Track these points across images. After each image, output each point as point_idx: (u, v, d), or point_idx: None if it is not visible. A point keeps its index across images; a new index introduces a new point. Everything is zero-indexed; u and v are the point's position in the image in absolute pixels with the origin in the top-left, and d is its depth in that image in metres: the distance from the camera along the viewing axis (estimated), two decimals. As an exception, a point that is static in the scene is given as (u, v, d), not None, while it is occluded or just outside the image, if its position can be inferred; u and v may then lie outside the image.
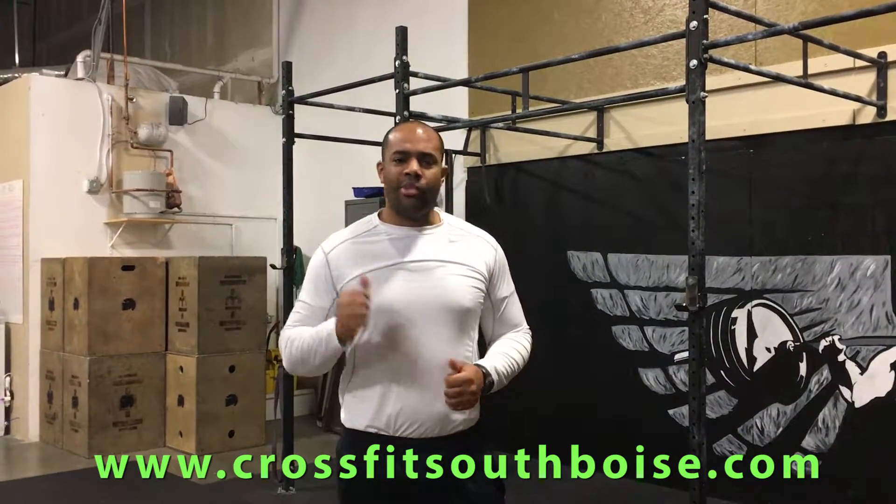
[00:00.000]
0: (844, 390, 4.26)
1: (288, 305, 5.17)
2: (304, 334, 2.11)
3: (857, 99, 4.10)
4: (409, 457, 2.08)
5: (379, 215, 2.22)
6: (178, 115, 7.08)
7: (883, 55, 4.14)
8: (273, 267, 5.53)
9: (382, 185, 2.20)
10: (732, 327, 4.69)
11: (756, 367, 4.61)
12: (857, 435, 4.21)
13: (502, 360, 2.15)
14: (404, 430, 2.09)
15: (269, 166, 7.19)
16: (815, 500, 4.33)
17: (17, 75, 7.32)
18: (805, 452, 4.38)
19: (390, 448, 2.09)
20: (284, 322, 5.29)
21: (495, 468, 2.21)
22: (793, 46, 4.18)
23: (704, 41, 3.16)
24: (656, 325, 5.04)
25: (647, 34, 5.07)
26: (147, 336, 6.16)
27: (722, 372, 4.73)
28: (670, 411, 4.95)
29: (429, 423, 2.09)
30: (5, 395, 6.60)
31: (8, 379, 6.63)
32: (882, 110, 4.12)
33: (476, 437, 2.19)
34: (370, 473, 2.12)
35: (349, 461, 2.17)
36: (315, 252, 2.24)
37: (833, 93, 3.99)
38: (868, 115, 4.17)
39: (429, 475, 2.09)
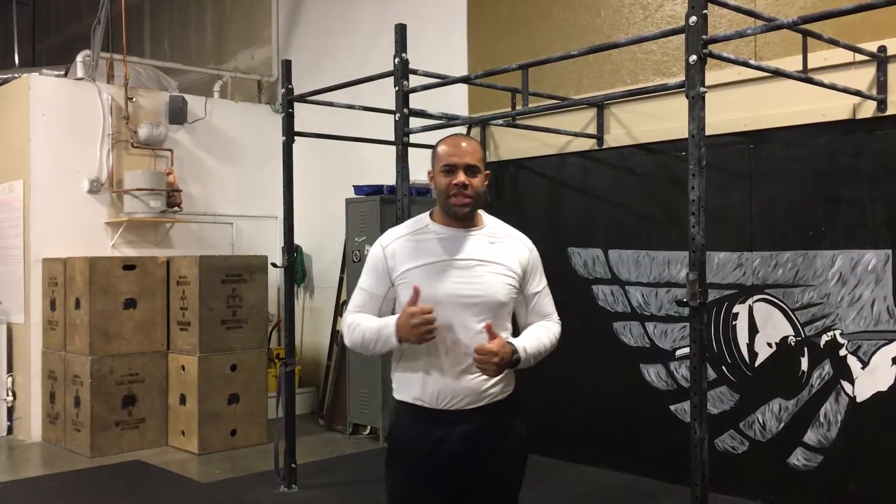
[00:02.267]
0: (846, 385, 4.26)
1: (289, 304, 5.18)
2: (367, 325, 2.45)
3: (857, 93, 4.09)
4: (449, 425, 2.39)
5: (430, 215, 2.53)
6: (177, 114, 7.08)
7: (883, 49, 4.13)
8: (274, 265, 5.52)
9: (433, 190, 2.52)
10: (734, 323, 4.69)
11: (757, 363, 4.61)
12: (859, 429, 4.21)
13: (532, 342, 2.46)
14: (445, 404, 2.40)
15: (270, 165, 7.19)
16: (816, 494, 4.34)
17: (16, 75, 7.32)
18: (807, 447, 4.38)
19: (432, 418, 2.40)
20: (286, 320, 5.32)
21: (521, 435, 2.50)
22: (792, 41, 4.18)
23: (704, 36, 3.16)
24: (657, 321, 5.04)
25: (646, 30, 5.07)
26: (149, 335, 6.16)
27: (723, 367, 4.73)
28: (672, 407, 4.95)
29: (466, 397, 2.40)
30: (7, 395, 6.61)
31: (10, 379, 6.64)
32: (882, 104, 4.12)
33: (507, 406, 2.48)
34: (415, 439, 2.43)
35: (398, 428, 2.49)
36: (373, 245, 2.56)
37: (833, 87, 3.99)
38: (868, 110, 4.17)
39: (465, 441, 2.39)
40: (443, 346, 2.37)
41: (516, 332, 2.55)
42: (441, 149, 2.48)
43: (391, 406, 2.55)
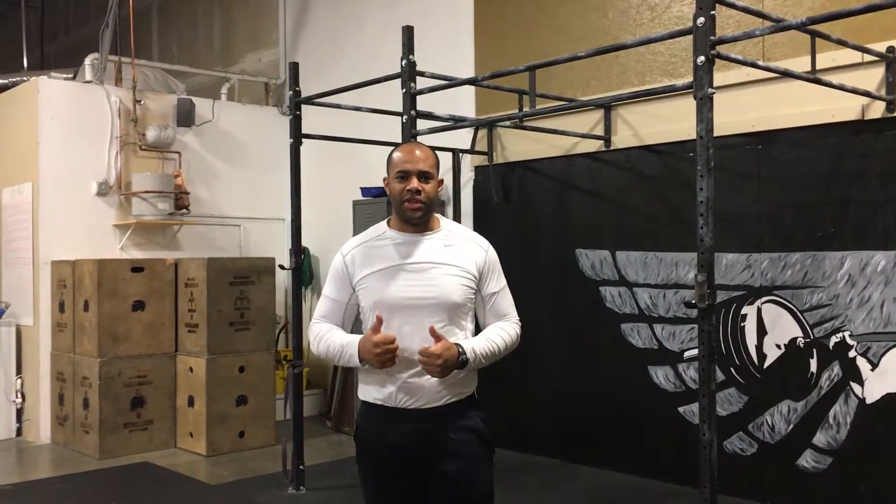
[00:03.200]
0: (855, 386, 4.24)
1: (297, 306, 5.19)
2: (332, 339, 2.55)
3: (866, 94, 4.08)
4: (407, 424, 2.47)
5: (388, 222, 2.62)
6: (185, 116, 7.10)
7: (892, 50, 4.12)
8: (282, 267, 5.54)
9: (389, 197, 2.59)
10: (742, 324, 4.68)
11: (766, 364, 4.60)
12: (869, 431, 4.19)
13: (482, 343, 2.51)
14: (403, 403, 2.47)
15: (277, 167, 7.21)
16: (826, 496, 4.32)
17: (25, 79, 7.36)
18: (816, 449, 4.37)
19: (392, 416, 2.49)
20: (294, 322, 5.32)
21: (482, 432, 2.55)
22: (801, 42, 4.16)
23: (712, 37, 3.15)
24: (665, 323, 5.03)
25: (653, 31, 5.06)
26: (157, 337, 6.18)
27: (732, 369, 4.71)
28: (680, 409, 4.94)
29: (423, 397, 2.47)
30: (17, 397, 6.63)
31: (19, 381, 6.66)
32: (891, 105, 4.10)
33: (464, 406, 2.54)
34: (377, 438, 2.53)
35: (362, 427, 2.60)
36: (336, 255, 2.65)
37: (842, 88, 3.97)
38: (877, 110, 4.16)
39: (423, 439, 2.47)
40: (402, 348, 2.43)
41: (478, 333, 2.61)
42: (395, 155, 2.57)
43: (358, 405, 2.67)
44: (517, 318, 2.67)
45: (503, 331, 2.58)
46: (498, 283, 2.62)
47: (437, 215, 2.62)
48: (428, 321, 2.43)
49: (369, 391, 2.55)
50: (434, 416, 2.47)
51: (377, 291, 2.49)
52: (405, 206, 2.50)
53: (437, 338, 2.39)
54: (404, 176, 2.50)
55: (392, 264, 2.51)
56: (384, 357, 2.38)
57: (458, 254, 2.53)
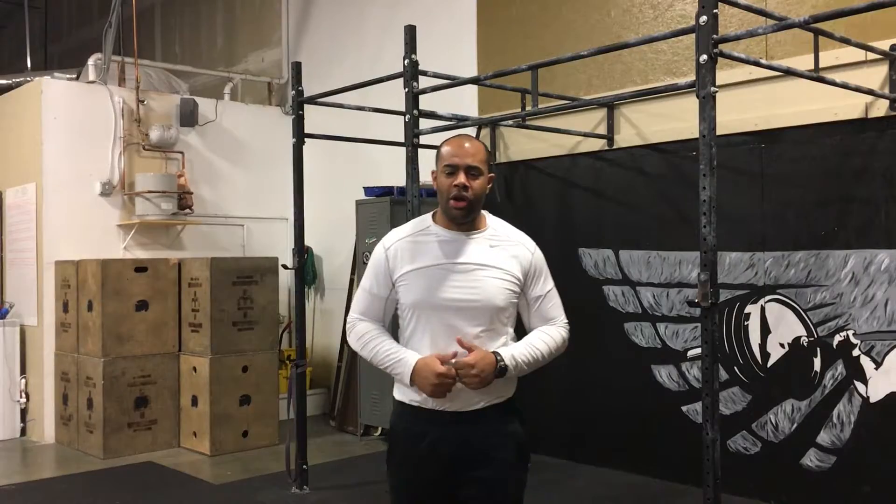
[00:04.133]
0: (859, 385, 4.23)
1: (300, 305, 5.19)
2: (382, 347, 2.46)
3: (870, 92, 4.07)
4: (444, 426, 2.40)
5: (433, 216, 2.52)
6: (188, 116, 7.10)
7: (895, 48, 4.11)
8: (285, 267, 5.53)
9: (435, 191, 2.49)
10: (745, 323, 4.67)
11: (770, 363, 4.59)
12: (873, 430, 4.18)
13: (523, 349, 2.42)
14: (442, 405, 2.39)
15: (280, 167, 7.21)
16: (830, 495, 4.31)
17: (29, 79, 7.38)
18: (820, 448, 4.36)
19: (429, 419, 2.41)
20: (297, 322, 5.31)
21: (519, 437, 2.47)
22: (804, 40, 4.16)
23: (714, 36, 3.15)
24: (669, 322, 5.03)
25: (656, 29, 5.06)
26: (160, 337, 6.19)
27: (735, 368, 4.71)
28: (684, 408, 4.93)
29: (461, 400, 2.38)
30: (21, 397, 6.64)
31: (23, 381, 6.67)
32: (894, 103, 4.09)
33: (502, 412, 2.46)
34: (412, 439, 2.44)
35: (396, 428, 2.52)
36: (376, 247, 2.54)
37: (845, 86, 3.96)
38: (881, 109, 4.15)
39: (460, 442, 2.39)
40: (438, 351, 2.37)
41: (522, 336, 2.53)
42: (444, 149, 2.46)
43: (393, 405, 2.58)
44: (565, 321, 2.57)
45: (547, 335, 2.49)
46: (544, 285, 2.52)
47: (484, 212, 2.51)
48: (469, 324, 2.37)
49: (406, 392, 2.46)
50: (472, 420, 2.40)
51: (419, 290, 2.40)
52: (450, 203, 2.39)
53: (469, 348, 2.32)
54: (452, 171, 2.40)
55: (435, 263, 2.41)
56: (441, 390, 2.31)
57: (503, 255, 2.44)
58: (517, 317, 2.54)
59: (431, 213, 2.54)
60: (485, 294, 2.38)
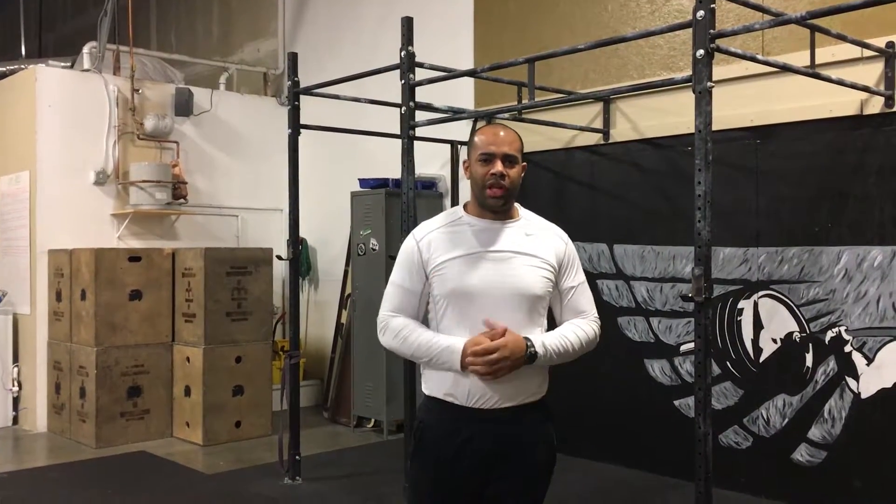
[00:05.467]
0: (851, 381, 4.25)
1: (294, 296, 5.19)
2: (419, 336, 2.36)
3: (865, 89, 4.08)
4: (478, 423, 2.32)
5: (464, 207, 2.47)
6: (183, 106, 7.08)
7: (891, 45, 4.12)
8: (279, 258, 5.54)
9: (469, 181, 2.45)
10: (738, 318, 4.69)
11: (762, 358, 4.61)
12: (864, 426, 4.20)
13: (554, 338, 2.36)
14: (476, 401, 2.31)
15: (275, 157, 7.20)
16: (820, 490, 4.33)
17: (23, 67, 7.34)
18: (811, 443, 4.38)
19: (462, 415, 2.32)
20: (291, 313, 5.30)
21: (550, 441, 2.46)
22: (800, 36, 4.16)
23: (711, 31, 3.15)
24: (662, 317, 5.04)
25: (653, 24, 5.05)
26: (154, 327, 6.18)
27: (728, 363, 4.72)
28: (676, 402, 4.95)
29: (498, 396, 2.32)
30: (13, 385, 6.63)
31: (16, 370, 6.66)
32: (890, 100, 4.10)
33: (539, 409, 2.42)
34: (445, 435, 2.36)
35: (426, 423, 2.42)
36: (406, 239, 2.48)
37: (841, 83, 3.97)
38: (876, 105, 4.16)
39: (494, 440, 2.33)
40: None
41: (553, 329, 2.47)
42: (479, 138, 2.42)
43: (421, 400, 2.48)
44: (596, 315, 2.51)
45: (579, 328, 2.43)
46: (577, 277, 2.48)
47: (516, 204, 2.49)
48: (507, 313, 2.30)
49: (438, 386, 2.37)
50: (507, 419, 2.33)
51: (456, 279, 2.32)
52: (487, 191, 2.35)
53: (495, 327, 2.26)
54: (488, 159, 2.36)
55: (473, 251, 2.35)
56: (496, 368, 2.22)
57: (539, 244, 2.40)
58: (549, 311, 2.48)
59: (462, 204, 2.49)
60: (523, 282, 2.34)
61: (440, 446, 2.36)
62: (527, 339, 2.28)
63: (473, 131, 2.49)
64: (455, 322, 2.34)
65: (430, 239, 2.41)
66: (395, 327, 2.41)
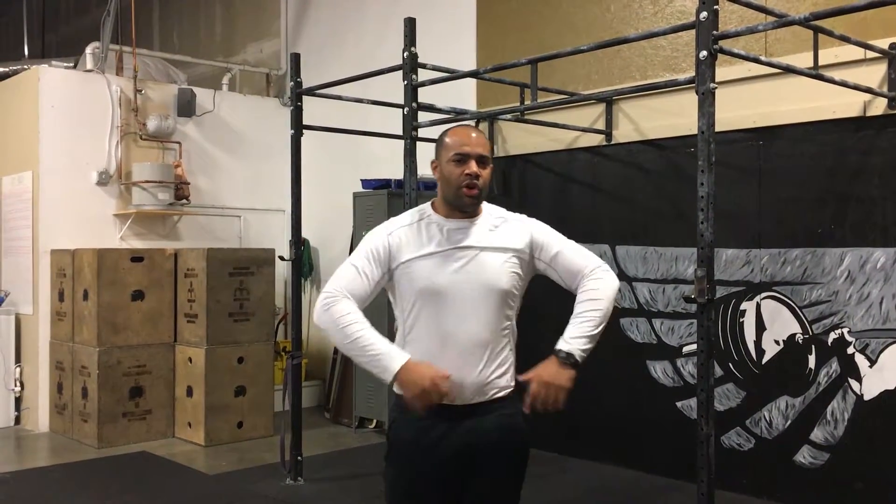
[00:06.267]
0: (853, 383, 4.25)
1: (296, 297, 5.19)
2: (364, 334, 2.29)
3: (868, 90, 4.08)
4: (449, 421, 2.34)
5: (431, 205, 2.49)
6: (186, 106, 7.09)
7: (894, 46, 4.11)
8: (281, 258, 5.53)
9: (437, 181, 2.47)
10: (741, 320, 4.68)
11: (765, 360, 4.60)
12: (866, 428, 4.20)
13: (577, 328, 2.37)
14: (446, 398, 2.29)
15: (278, 158, 7.21)
16: (823, 492, 4.33)
17: (26, 67, 7.35)
18: (813, 445, 4.38)
19: (434, 412, 2.29)
20: (293, 314, 5.30)
21: (524, 434, 2.46)
22: (803, 37, 4.16)
23: (714, 32, 3.15)
24: (664, 318, 5.04)
25: (656, 25, 5.05)
26: (156, 327, 6.18)
27: (730, 364, 4.72)
28: (678, 403, 4.94)
29: (468, 391, 2.35)
30: (15, 385, 6.64)
31: (18, 370, 6.67)
32: (893, 102, 4.10)
33: (510, 402, 2.43)
34: (416, 434, 2.37)
35: (398, 422, 2.43)
36: (375, 229, 2.48)
37: (844, 84, 3.97)
38: (879, 107, 4.15)
39: (465, 436, 2.35)
40: (448, 337, 2.33)
41: (531, 317, 2.47)
42: (451, 138, 2.43)
43: (392, 399, 2.48)
44: (597, 263, 2.49)
45: (591, 294, 2.42)
46: (556, 243, 2.48)
47: None
48: (475, 308, 2.33)
49: None
50: (478, 413, 2.36)
51: (425, 277, 2.34)
52: (463, 191, 2.36)
53: (530, 378, 2.27)
54: (462, 159, 2.37)
55: (439, 249, 2.37)
56: (428, 397, 2.21)
57: (504, 236, 2.43)
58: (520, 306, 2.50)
59: (430, 202, 2.50)
60: (490, 277, 2.36)
61: (412, 444, 2.38)
62: (556, 352, 2.30)
63: (442, 133, 2.50)
64: (424, 321, 2.36)
65: (400, 234, 2.42)
66: (340, 310, 2.32)
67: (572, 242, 2.52)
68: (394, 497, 2.47)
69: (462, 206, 2.40)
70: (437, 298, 2.33)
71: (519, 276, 2.43)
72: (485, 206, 2.50)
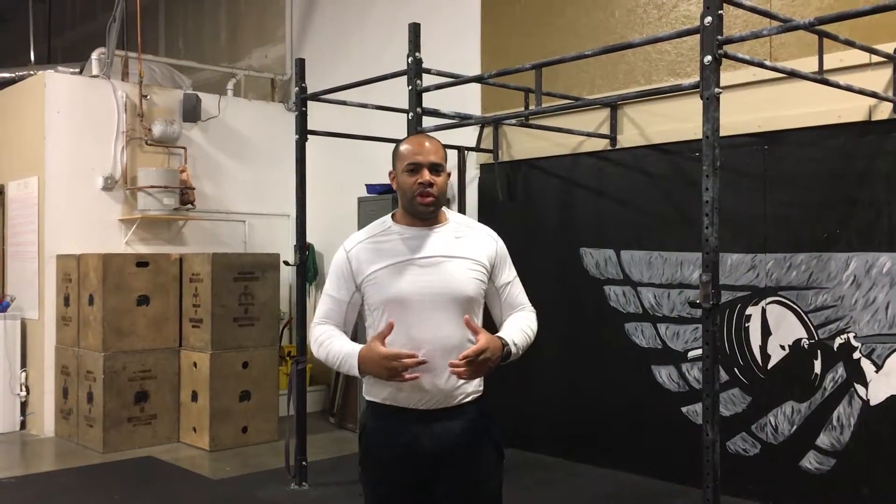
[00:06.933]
0: (859, 388, 4.23)
1: (301, 302, 5.20)
2: (332, 346, 2.44)
3: (873, 95, 4.07)
4: (419, 425, 2.39)
5: (392, 217, 2.52)
6: (191, 112, 7.10)
7: (899, 51, 4.11)
8: (286, 263, 5.54)
9: (396, 191, 2.50)
10: (746, 325, 4.67)
11: (770, 365, 4.59)
12: (873, 433, 4.18)
13: (519, 334, 2.43)
14: (416, 403, 2.38)
15: (282, 163, 7.21)
16: (829, 498, 4.31)
17: (32, 73, 7.38)
18: (820, 450, 4.36)
19: (403, 417, 2.39)
20: (298, 318, 5.31)
21: (496, 436, 2.49)
22: (808, 42, 4.16)
23: (719, 37, 3.14)
24: (670, 323, 5.03)
25: (660, 30, 5.05)
26: (161, 332, 6.19)
27: (736, 369, 4.71)
28: (684, 409, 4.93)
29: (437, 397, 2.38)
30: (21, 390, 6.65)
31: (23, 374, 6.68)
32: (898, 106, 4.09)
33: (478, 406, 2.47)
34: (386, 440, 2.43)
35: (369, 428, 2.49)
36: (338, 251, 2.53)
37: (849, 89, 3.96)
38: (884, 112, 4.14)
39: (435, 441, 2.38)
40: (416, 345, 2.33)
41: (490, 328, 2.48)
42: (404, 148, 2.46)
43: (363, 404, 2.55)
44: (532, 308, 2.58)
45: (529, 321, 2.51)
46: (510, 273, 2.55)
47: (444, 208, 2.53)
48: (441, 316, 2.35)
49: (377, 391, 2.44)
50: (448, 417, 2.39)
51: (388, 288, 2.38)
52: (417, 199, 2.40)
53: (475, 329, 2.31)
54: (415, 168, 2.40)
55: (402, 259, 2.40)
56: (395, 372, 2.25)
57: (468, 246, 2.45)
58: (485, 309, 2.54)
59: (391, 213, 2.54)
60: (455, 284, 2.38)
61: (384, 450, 2.43)
62: (500, 337, 2.35)
63: (397, 143, 2.54)
64: (393, 329, 2.37)
65: (358, 250, 2.48)
66: (316, 334, 2.50)
67: (517, 277, 2.59)
68: (369, 498, 2.52)
69: (419, 215, 2.43)
70: (402, 307, 2.36)
71: (483, 283, 2.46)
72: (450, 214, 2.53)
